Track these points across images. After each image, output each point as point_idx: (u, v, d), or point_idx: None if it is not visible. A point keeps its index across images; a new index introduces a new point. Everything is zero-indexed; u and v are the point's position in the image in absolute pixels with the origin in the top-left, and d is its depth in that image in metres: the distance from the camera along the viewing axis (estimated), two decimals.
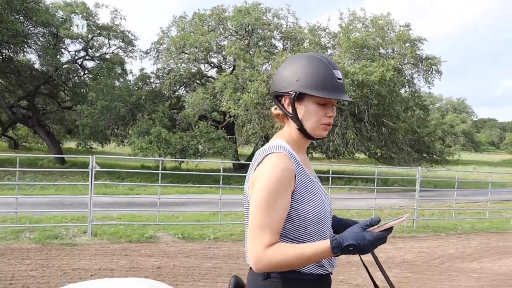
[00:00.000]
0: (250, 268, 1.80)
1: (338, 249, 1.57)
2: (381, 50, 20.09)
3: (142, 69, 24.44)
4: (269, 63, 18.91)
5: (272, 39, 24.66)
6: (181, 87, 24.67)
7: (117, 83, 23.80)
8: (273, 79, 1.83)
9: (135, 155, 17.96)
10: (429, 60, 20.48)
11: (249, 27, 21.65)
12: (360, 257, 1.82)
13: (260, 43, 24.28)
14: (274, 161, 1.67)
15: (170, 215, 10.34)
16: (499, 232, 11.12)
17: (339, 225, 1.97)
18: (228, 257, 7.48)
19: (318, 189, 1.79)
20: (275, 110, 1.87)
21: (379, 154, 19.52)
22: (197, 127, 18.18)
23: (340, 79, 1.74)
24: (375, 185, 12.31)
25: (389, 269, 7.11)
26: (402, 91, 21.69)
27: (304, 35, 22.20)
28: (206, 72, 24.42)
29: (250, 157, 22.93)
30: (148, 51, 24.90)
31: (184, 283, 6.08)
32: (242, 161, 21.19)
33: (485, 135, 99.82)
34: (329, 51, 21.66)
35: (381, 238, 1.58)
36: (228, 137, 18.96)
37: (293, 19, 25.24)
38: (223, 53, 21.89)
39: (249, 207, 1.73)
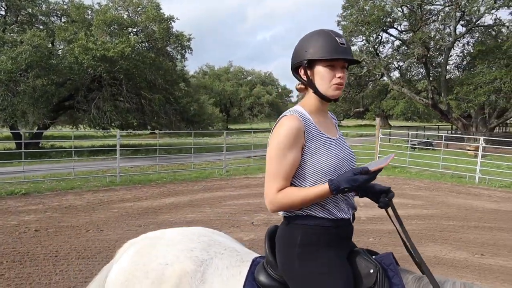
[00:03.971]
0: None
1: (336, 190, 1.88)
2: (135, 28, 21.50)
3: None
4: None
5: (49, 16, 24.59)
6: None
7: None
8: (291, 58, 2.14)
9: None
10: (178, 37, 22.50)
11: (9, 3, 21.25)
12: (397, 230, 2.15)
13: (34, 20, 24.03)
14: (284, 121, 1.99)
15: None
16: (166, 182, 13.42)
17: (367, 190, 2.14)
18: None
19: (332, 145, 2.05)
20: (298, 86, 2.15)
21: (135, 124, 21.05)
22: None
23: (343, 44, 2.01)
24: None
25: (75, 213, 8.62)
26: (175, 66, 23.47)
27: (73, 12, 22.57)
28: None
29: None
30: None
31: None
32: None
33: None
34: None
35: (370, 179, 1.90)
36: None
37: None
38: None
39: None
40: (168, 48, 22.70)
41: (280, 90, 65.48)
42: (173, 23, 21.58)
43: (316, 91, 2.05)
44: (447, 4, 28.48)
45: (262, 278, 2.12)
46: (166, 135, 24.01)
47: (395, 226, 2.15)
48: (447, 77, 31.28)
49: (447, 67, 34.24)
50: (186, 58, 23.10)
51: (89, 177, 13.06)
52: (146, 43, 21.79)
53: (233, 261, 2.21)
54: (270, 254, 2.14)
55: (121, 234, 7.19)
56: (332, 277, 1.95)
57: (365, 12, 28.36)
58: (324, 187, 1.91)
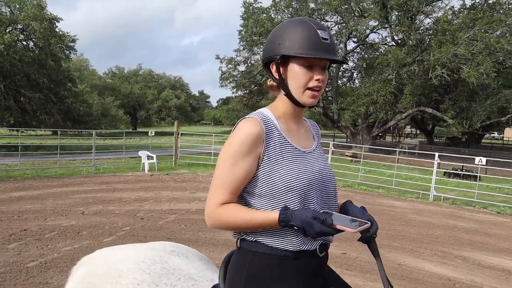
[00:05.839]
0: None
1: (284, 222, 1.54)
2: (20, 26, 21.21)
3: None
4: None
5: None
6: None
7: None
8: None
9: None
10: (61, 37, 22.39)
11: None
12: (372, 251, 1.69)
13: None
14: (241, 125, 1.65)
15: None
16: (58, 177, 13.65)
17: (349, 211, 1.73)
18: None
19: (300, 159, 1.69)
20: (269, 82, 1.78)
21: (12, 122, 20.64)
22: None
23: (325, 39, 1.64)
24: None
25: None
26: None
27: None
28: None
29: None
30: None
31: None
32: None
33: (221, 110, 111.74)
34: None
35: (327, 233, 1.52)
36: None
37: None
38: None
39: None
40: (56, 48, 22.45)
41: (196, 95, 66.26)
42: (57, 23, 21.48)
43: (288, 94, 1.68)
44: (339, 22, 30.92)
45: None
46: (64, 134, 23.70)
47: (376, 261, 1.67)
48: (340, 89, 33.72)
49: (343, 79, 37.05)
50: (71, 58, 23.02)
51: None
52: (31, 42, 21.48)
53: None
54: (222, 283, 1.78)
55: None
56: None
57: (258, 23, 29.76)
58: (273, 214, 1.57)
